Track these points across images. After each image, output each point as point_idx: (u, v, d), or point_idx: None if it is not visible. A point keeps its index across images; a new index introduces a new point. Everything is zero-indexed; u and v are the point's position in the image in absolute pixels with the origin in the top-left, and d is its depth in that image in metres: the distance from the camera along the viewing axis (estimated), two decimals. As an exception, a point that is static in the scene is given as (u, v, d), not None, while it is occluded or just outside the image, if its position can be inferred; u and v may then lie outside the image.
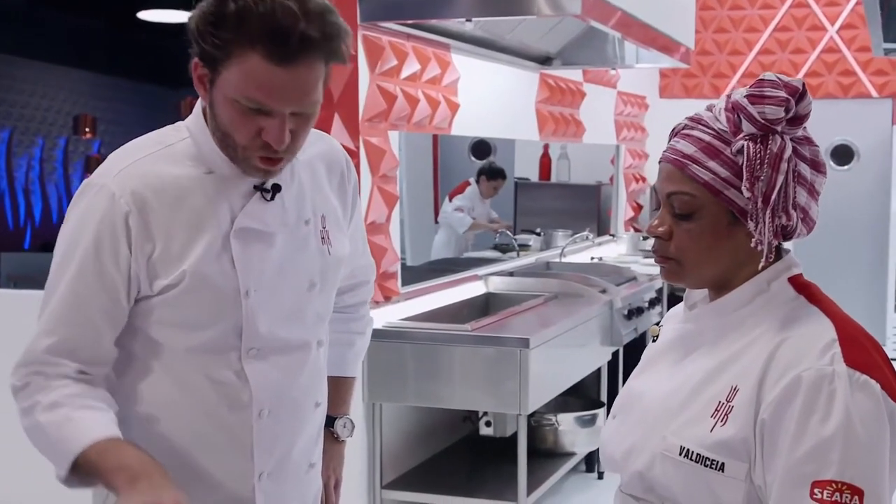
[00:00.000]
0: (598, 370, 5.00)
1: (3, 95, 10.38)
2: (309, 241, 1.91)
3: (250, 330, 1.82)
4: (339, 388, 2.22)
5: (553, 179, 7.11)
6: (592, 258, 6.51)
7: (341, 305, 2.20)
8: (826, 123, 7.80)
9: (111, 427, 1.71)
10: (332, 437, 2.20)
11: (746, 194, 1.52)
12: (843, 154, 7.78)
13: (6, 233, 10.63)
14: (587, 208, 7.27)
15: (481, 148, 6.15)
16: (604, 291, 5.01)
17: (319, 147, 1.98)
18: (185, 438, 1.84)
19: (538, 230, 6.51)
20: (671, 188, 1.59)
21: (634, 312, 5.13)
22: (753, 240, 1.54)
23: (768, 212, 1.51)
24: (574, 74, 6.38)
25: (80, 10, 9.81)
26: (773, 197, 1.51)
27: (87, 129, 11.05)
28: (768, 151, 1.51)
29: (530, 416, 4.27)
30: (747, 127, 1.53)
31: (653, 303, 5.55)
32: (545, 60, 5.81)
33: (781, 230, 1.55)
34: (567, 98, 6.22)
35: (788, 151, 1.52)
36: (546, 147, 6.89)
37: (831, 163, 7.68)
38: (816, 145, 1.60)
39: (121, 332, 1.80)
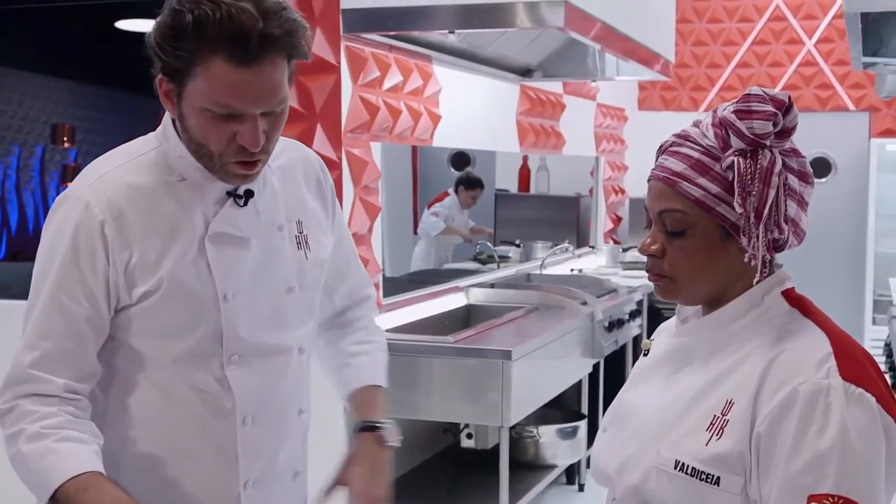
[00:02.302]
0: (579, 382, 5.00)
1: (-21, 104, 10.31)
2: (283, 246, 1.91)
3: (230, 335, 1.82)
4: (376, 396, 2.10)
5: (532, 191, 7.11)
6: (572, 270, 6.52)
7: (347, 319, 2.18)
8: (803, 136, 7.65)
9: (93, 461, 1.69)
10: (378, 442, 2.04)
11: (739, 210, 1.51)
12: (821, 167, 7.83)
13: (-17, 241, 10.54)
14: (567, 220, 7.27)
15: (460, 159, 6.15)
16: (584, 303, 5.01)
17: (292, 154, 2.00)
18: (171, 449, 1.84)
19: (518, 242, 6.52)
20: (662, 206, 1.59)
21: (615, 324, 5.14)
22: (746, 255, 1.54)
23: (761, 226, 1.51)
24: (554, 86, 6.40)
25: (58, 18, 9.76)
26: (766, 212, 1.51)
27: (65, 139, 10.97)
28: (758, 166, 1.51)
29: (511, 428, 4.26)
30: (736, 142, 1.53)
31: (633, 315, 5.56)
32: (526, 72, 5.82)
33: (773, 243, 1.55)
34: (547, 110, 6.24)
35: (779, 165, 1.52)
36: (525, 158, 6.90)
37: (809, 176, 7.72)
38: (803, 156, 1.60)
39: (103, 347, 1.79)
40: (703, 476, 1.49)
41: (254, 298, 1.85)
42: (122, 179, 1.79)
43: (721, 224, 1.55)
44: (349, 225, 3.98)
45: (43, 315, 1.75)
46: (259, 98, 1.69)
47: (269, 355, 1.89)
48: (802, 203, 1.58)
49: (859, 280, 7.74)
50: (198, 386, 1.82)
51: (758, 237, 1.51)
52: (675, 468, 1.51)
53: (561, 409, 5.05)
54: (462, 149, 5.85)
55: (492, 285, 5.31)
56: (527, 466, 4.65)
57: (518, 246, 6.50)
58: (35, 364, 1.73)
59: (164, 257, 1.77)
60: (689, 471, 1.50)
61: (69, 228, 1.75)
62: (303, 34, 1.71)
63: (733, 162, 1.52)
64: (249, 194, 1.84)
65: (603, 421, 1.73)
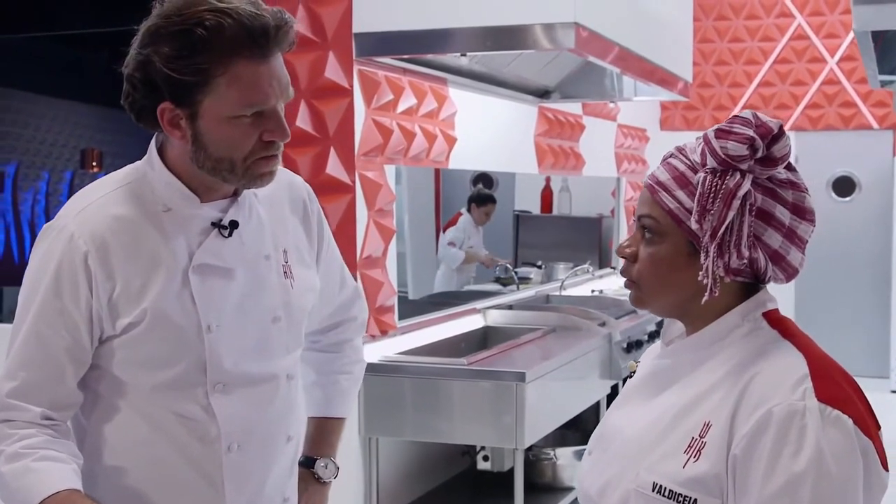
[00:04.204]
0: (597, 404, 4.98)
1: (9, 129, 10.43)
2: (270, 276, 1.91)
3: (214, 365, 1.83)
4: (323, 428, 2.21)
5: (555, 212, 7.12)
6: (593, 291, 6.50)
7: (325, 343, 2.20)
8: (827, 155, 7.83)
9: (71, 479, 1.70)
10: (313, 479, 2.18)
11: (694, 226, 1.52)
12: (845, 185, 7.79)
13: (11, 267, 10.65)
14: (588, 241, 7.27)
15: (483, 180, 6.16)
16: (603, 324, 5.00)
17: (279, 181, 1.98)
18: (156, 475, 1.84)
19: (539, 263, 6.51)
20: (641, 211, 1.61)
21: (634, 345, 5.11)
22: (700, 273, 1.53)
23: (713, 246, 1.51)
24: (573, 107, 6.40)
25: (84, 44, 9.88)
26: (721, 232, 1.50)
27: (93, 163, 11.09)
28: (724, 186, 1.50)
29: (528, 450, 4.25)
30: (710, 160, 1.53)
31: (652, 336, 5.52)
32: (544, 94, 5.83)
33: (747, 269, 1.54)
34: (566, 131, 6.24)
35: (744, 189, 1.50)
36: (548, 180, 6.91)
37: (832, 194, 7.70)
38: (804, 191, 1.56)
39: (86, 375, 1.81)
40: (681, 498, 1.48)
41: (239, 328, 1.85)
42: (106, 210, 1.79)
43: (689, 240, 1.55)
44: (363, 247, 4.00)
45: (23, 345, 1.77)
46: (280, 88, 1.74)
47: (255, 384, 1.89)
48: (792, 237, 1.54)
49: (885, 298, 7.67)
50: (182, 413, 1.83)
51: (710, 256, 1.51)
52: (653, 490, 1.51)
53: (579, 430, 5.03)
54: (480, 170, 5.87)
55: (510, 307, 5.31)
56: (544, 489, 4.63)
57: (539, 267, 6.50)
58: (13, 393, 1.75)
59: (147, 289, 1.78)
60: (666, 493, 1.50)
61: (53, 260, 1.77)
62: (292, 24, 1.76)
63: (701, 178, 1.52)
64: (234, 225, 1.85)
65: (589, 443, 1.73)
